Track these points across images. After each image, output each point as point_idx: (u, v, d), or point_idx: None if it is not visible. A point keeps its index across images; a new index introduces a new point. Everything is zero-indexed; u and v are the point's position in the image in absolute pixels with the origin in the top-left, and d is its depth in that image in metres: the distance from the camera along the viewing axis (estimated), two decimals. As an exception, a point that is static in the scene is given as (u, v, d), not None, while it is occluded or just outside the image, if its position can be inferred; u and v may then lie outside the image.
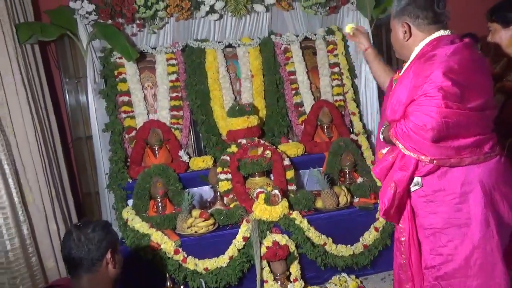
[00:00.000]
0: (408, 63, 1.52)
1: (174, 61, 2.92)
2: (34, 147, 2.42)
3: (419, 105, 1.39)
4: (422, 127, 1.37)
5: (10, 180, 2.20)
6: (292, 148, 2.78)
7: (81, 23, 2.69)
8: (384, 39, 3.41)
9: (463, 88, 1.36)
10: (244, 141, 2.68)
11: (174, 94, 2.89)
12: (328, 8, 3.04)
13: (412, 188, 1.50)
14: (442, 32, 1.46)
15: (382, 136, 1.57)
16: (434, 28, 1.47)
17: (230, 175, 2.53)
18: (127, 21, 2.72)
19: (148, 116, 2.87)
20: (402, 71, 1.54)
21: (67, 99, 3.02)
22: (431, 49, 1.43)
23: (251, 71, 3.00)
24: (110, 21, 2.69)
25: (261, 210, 2.26)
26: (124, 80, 2.84)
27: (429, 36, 1.47)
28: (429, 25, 1.46)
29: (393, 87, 1.55)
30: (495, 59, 1.85)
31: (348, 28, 1.86)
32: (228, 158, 2.60)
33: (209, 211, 2.41)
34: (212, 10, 2.82)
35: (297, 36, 3.09)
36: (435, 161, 1.41)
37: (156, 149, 2.76)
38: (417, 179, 1.48)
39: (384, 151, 1.57)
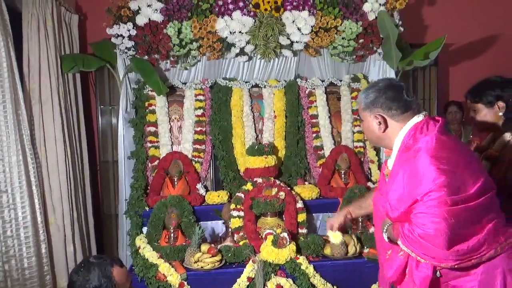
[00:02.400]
0: (394, 156, 1.49)
1: (202, 97, 3.06)
2: (62, 171, 2.59)
3: (424, 207, 1.32)
4: (433, 235, 1.29)
5: (36, 201, 2.35)
6: (307, 191, 2.80)
7: (120, 57, 2.90)
8: (410, 89, 3.45)
9: (459, 177, 1.33)
10: (260, 180, 2.74)
11: (199, 129, 3.01)
12: (355, 56, 3.12)
13: None
14: (416, 119, 1.45)
15: (386, 235, 1.48)
16: (408, 115, 1.46)
17: (242, 212, 2.59)
18: (161, 57, 2.90)
19: (172, 147, 3.00)
20: (389, 165, 1.52)
21: (100, 124, 3.22)
22: (413, 141, 1.41)
23: (274, 111, 3.10)
24: (146, 57, 2.88)
25: (268, 252, 2.29)
26: (153, 112, 3.00)
27: (406, 126, 1.45)
28: (403, 113, 1.46)
29: (386, 180, 1.53)
30: (480, 129, 1.87)
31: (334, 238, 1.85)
32: (242, 195, 2.66)
33: (219, 246, 2.46)
34: (242, 52, 2.96)
35: (322, 81, 3.17)
36: (456, 266, 1.33)
37: (176, 180, 2.86)
38: None
39: (390, 251, 1.49)
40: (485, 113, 1.79)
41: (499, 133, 1.79)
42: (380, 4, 2.95)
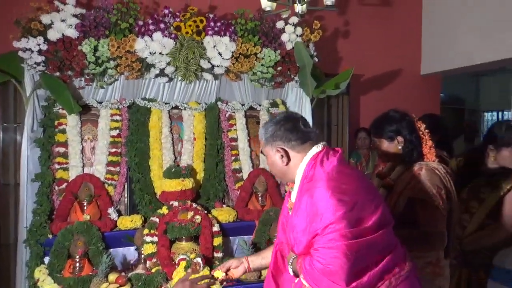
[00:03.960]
0: (296, 188, 1.48)
1: (118, 117, 2.95)
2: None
3: (324, 240, 1.30)
4: (333, 270, 1.27)
5: None
6: (224, 214, 2.81)
7: (28, 72, 2.70)
8: (324, 115, 3.70)
9: (359, 209, 1.34)
10: (176, 203, 2.69)
11: (113, 150, 2.89)
12: (273, 83, 3.25)
13: None
14: (316, 149, 1.46)
15: (291, 269, 1.45)
16: (308, 146, 1.47)
17: (156, 237, 2.51)
18: (75, 74, 2.75)
19: (83, 169, 2.83)
20: (292, 198, 1.51)
21: (1, 143, 2.94)
22: (314, 172, 1.42)
23: (194, 134, 3.08)
24: (58, 73, 2.72)
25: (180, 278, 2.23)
26: (63, 131, 2.81)
27: (306, 156, 1.46)
28: (303, 144, 1.47)
29: (290, 213, 1.52)
30: (383, 160, 2.02)
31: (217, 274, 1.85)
32: (157, 219, 2.58)
33: (129, 274, 2.35)
34: (162, 73, 2.93)
35: (242, 105, 3.24)
36: None
37: (85, 204, 2.70)
38: None
39: (295, 282, 1.44)
40: (387, 146, 1.92)
41: (398, 163, 1.94)
42: (297, 35, 3.13)
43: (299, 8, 2.70)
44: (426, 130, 1.84)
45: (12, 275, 2.71)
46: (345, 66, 4.04)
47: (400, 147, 1.86)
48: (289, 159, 1.48)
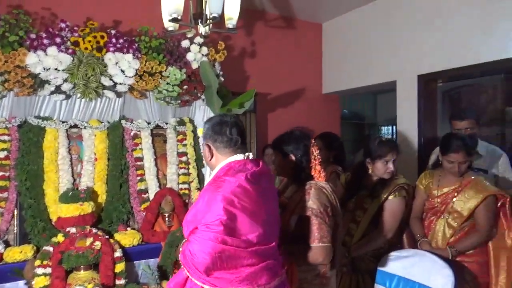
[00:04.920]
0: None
1: (6, 137, 2.68)
2: None
3: (200, 235, 1.48)
4: (197, 263, 1.46)
5: None
6: (128, 237, 2.69)
7: None
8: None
9: (241, 222, 1.49)
10: (73, 230, 2.51)
11: (1, 173, 2.62)
12: (180, 101, 3.23)
13: None
14: (236, 157, 1.64)
15: (181, 248, 1.63)
16: (230, 151, 1.66)
17: (50, 269, 2.31)
18: (-49, 90, 2.47)
19: (-37, 197, 2.53)
20: None
21: None
22: (222, 175, 1.58)
23: (95, 154, 2.93)
24: None
25: (76, 312, 2.08)
26: None
27: (225, 160, 1.65)
28: (225, 148, 1.66)
29: None
30: (278, 174, 2.15)
31: None
32: (51, 249, 2.38)
33: (16, 313, 2.12)
34: (58, 90, 2.75)
35: (148, 123, 3.16)
36: None
37: (-35, 236, 2.40)
38: None
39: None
40: (279, 161, 2.05)
41: (290, 182, 2.06)
42: (202, 55, 3.16)
43: (202, 29, 2.74)
44: (319, 156, 1.97)
45: None
46: (252, 85, 4.18)
47: (291, 165, 1.97)
48: (212, 156, 1.69)
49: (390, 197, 2.42)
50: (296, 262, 1.79)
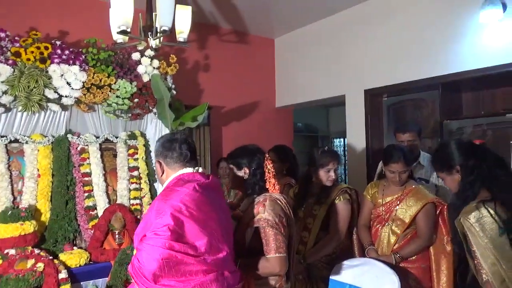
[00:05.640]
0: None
1: None
2: None
3: (146, 242, 1.48)
4: (144, 269, 1.44)
5: None
6: (74, 257, 2.56)
7: None
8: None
9: (188, 229, 1.50)
10: (13, 251, 2.35)
11: None
12: (131, 114, 3.15)
13: None
14: (185, 170, 1.71)
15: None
16: (180, 165, 1.72)
17: (-15, 294, 2.15)
18: None
19: None
20: None
21: None
22: (171, 187, 1.63)
23: (38, 170, 2.78)
24: None
25: None
26: None
27: (175, 173, 1.70)
28: (175, 163, 1.72)
29: None
30: (232, 186, 2.18)
31: None
32: (-13, 273, 2.22)
33: None
34: (-3, 102, 2.59)
35: (97, 137, 3.06)
36: None
37: None
38: None
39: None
40: (234, 174, 2.06)
41: (245, 195, 2.07)
42: (153, 68, 3.12)
43: (152, 42, 2.71)
44: (273, 169, 2.00)
45: None
46: (206, 98, 4.17)
47: (245, 177, 1.99)
48: (163, 172, 1.76)
49: (336, 201, 2.54)
50: (253, 275, 1.79)
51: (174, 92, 3.26)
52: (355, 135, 4.03)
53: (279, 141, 4.48)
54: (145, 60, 3.09)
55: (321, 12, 4.17)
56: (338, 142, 8.18)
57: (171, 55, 3.26)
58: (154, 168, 1.84)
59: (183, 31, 2.75)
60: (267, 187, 1.97)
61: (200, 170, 1.76)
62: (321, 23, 4.38)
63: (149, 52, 3.10)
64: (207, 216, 1.59)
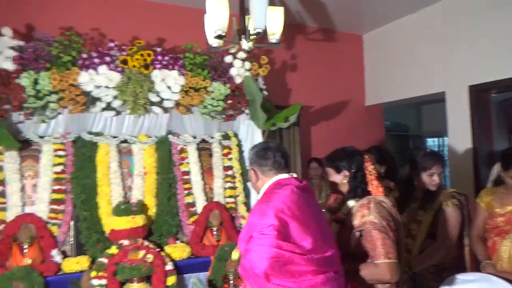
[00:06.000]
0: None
1: (62, 152, 2.80)
2: None
3: (255, 242, 1.52)
4: (256, 268, 1.48)
5: None
6: (178, 251, 2.71)
7: (-40, 107, 2.52)
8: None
9: (293, 229, 1.53)
10: (126, 242, 2.56)
11: (57, 187, 2.73)
12: (224, 116, 3.26)
13: None
14: (280, 176, 1.74)
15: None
16: (274, 172, 1.76)
17: (105, 280, 2.36)
18: (13, 109, 2.61)
19: (23, 209, 2.64)
20: None
21: None
22: (270, 191, 1.68)
23: (144, 168, 2.99)
24: (-6, 107, 2.56)
25: (131, 323, 2.10)
26: (0, 169, 2.63)
27: (271, 180, 1.75)
28: (270, 170, 1.77)
29: None
30: (331, 190, 2.10)
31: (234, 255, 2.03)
32: (105, 260, 2.44)
33: (74, 323, 2.17)
34: (109, 106, 2.85)
35: (194, 137, 3.21)
36: None
37: (26, 247, 2.50)
38: None
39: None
40: (333, 177, 2.01)
41: (344, 198, 2.01)
42: (245, 69, 3.19)
43: (245, 45, 2.76)
44: (374, 171, 1.92)
45: None
46: (294, 98, 4.17)
47: (345, 180, 1.93)
48: (258, 179, 1.79)
49: (443, 207, 2.36)
50: (359, 281, 1.72)
51: (265, 93, 3.30)
52: (458, 135, 3.71)
53: (369, 141, 4.32)
54: (238, 63, 3.17)
55: (415, 4, 3.92)
56: (432, 141, 7.65)
57: (261, 56, 3.31)
58: (248, 171, 1.87)
59: (275, 32, 2.76)
60: (369, 189, 1.89)
61: (295, 175, 1.79)
62: (416, 16, 4.12)
63: (241, 55, 3.18)
64: (308, 216, 1.61)
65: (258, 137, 3.24)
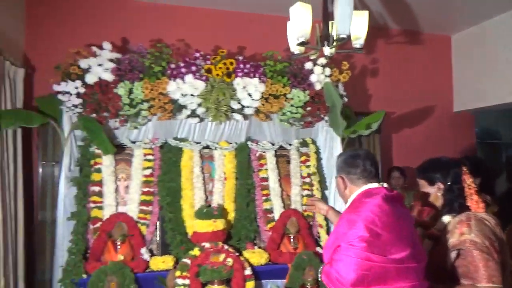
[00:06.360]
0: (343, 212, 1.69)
1: (151, 157, 3.00)
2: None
3: (343, 253, 1.50)
4: (343, 278, 1.46)
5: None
6: (256, 256, 2.75)
7: (66, 114, 2.81)
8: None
9: (384, 241, 1.48)
10: (207, 245, 2.66)
11: (146, 189, 2.93)
12: (303, 122, 3.25)
13: None
14: (370, 185, 1.68)
15: (319, 276, 1.65)
16: (364, 181, 1.71)
17: (188, 280, 2.47)
18: (110, 116, 2.85)
19: (117, 208, 2.87)
20: None
21: (40, 181, 3.04)
22: (358, 200, 1.65)
23: (225, 173, 3.09)
24: (94, 115, 2.82)
25: (212, 325, 2.18)
26: (98, 170, 2.89)
27: (360, 189, 1.70)
28: (359, 179, 1.71)
29: None
30: (423, 203, 1.98)
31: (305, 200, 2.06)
32: (189, 261, 2.56)
33: (161, 319, 2.31)
34: (193, 114, 2.99)
35: (272, 144, 3.24)
36: None
37: (119, 243, 2.71)
38: None
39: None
40: (426, 189, 1.90)
41: (438, 212, 1.88)
42: (325, 76, 3.15)
43: (327, 51, 2.72)
44: (473, 184, 1.78)
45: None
46: (375, 104, 4.02)
47: (439, 193, 1.81)
48: (346, 187, 1.74)
49: None
50: None
51: (346, 99, 3.23)
52: None
53: (458, 149, 4.02)
54: (318, 69, 3.14)
55: (508, 1, 3.57)
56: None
57: (343, 62, 3.24)
58: (336, 179, 1.82)
59: (359, 37, 2.68)
60: (468, 204, 1.75)
61: (385, 185, 1.71)
62: (510, 15, 3.75)
63: (321, 61, 3.15)
64: (399, 227, 1.56)
65: (337, 145, 3.18)
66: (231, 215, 3.00)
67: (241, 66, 3.04)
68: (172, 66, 2.91)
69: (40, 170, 3.09)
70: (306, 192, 3.17)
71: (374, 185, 1.68)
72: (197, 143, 3.10)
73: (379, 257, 1.45)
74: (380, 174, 3.81)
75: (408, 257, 1.50)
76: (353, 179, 1.72)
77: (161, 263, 2.64)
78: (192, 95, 2.91)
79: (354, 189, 1.71)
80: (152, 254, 2.79)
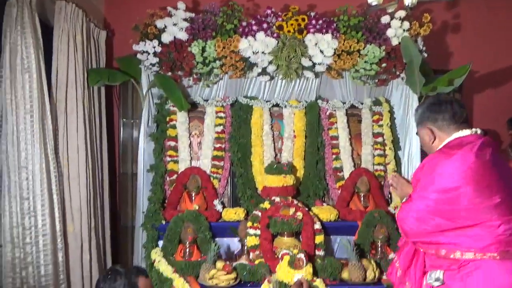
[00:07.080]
0: None
1: (222, 114, 3.09)
2: (82, 181, 2.63)
3: (419, 192, 1.52)
4: (403, 224, 1.53)
5: (56, 209, 2.38)
6: (325, 212, 2.76)
7: (144, 73, 2.96)
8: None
9: (464, 193, 1.45)
10: (277, 199, 2.72)
11: (218, 145, 3.03)
12: (377, 80, 3.12)
13: (434, 283, 1.47)
14: (461, 133, 1.56)
15: None
16: (455, 128, 1.59)
17: (259, 231, 2.56)
18: (184, 74, 2.95)
19: (191, 163, 3.02)
20: None
21: (121, 137, 3.27)
22: (450, 147, 1.55)
23: (294, 131, 3.09)
24: (169, 73, 2.93)
25: (283, 272, 2.25)
26: (174, 127, 3.03)
27: (450, 137, 1.58)
28: (449, 125, 1.59)
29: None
30: None
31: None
32: (259, 213, 2.64)
33: (234, 264, 2.43)
34: (264, 72, 2.99)
35: (343, 103, 3.17)
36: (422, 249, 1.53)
37: (193, 195, 2.87)
38: (438, 273, 1.45)
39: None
40: None
41: None
42: (404, 30, 2.97)
43: (409, 1, 2.54)
44: None
45: (129, 255, 3.00)
46: (455, 62, 3.72)
47: None
48: (435, 138, 1.62)
49: None
50: None
51: (425, 55, 3.03)
52: None
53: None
54: (395, 23, 2.96)
55: None
56: None
57: (425, 14, 3.02)
58: (418, 133, 1.74)
59: (445, -17, 2.48)
60: None
61: (479, 131, 1.58)
62: None
63: (399, 14, 2.96)
64: (487, 181, 1.47)
65: (414, 103, 3.01)
66: (300, 173, 3.02)
67: (313, 22, 2.96)
68: (244, 24, 2.91)
69: (121, 126, 3.31)
70: (378, 152, 3.09)
71: (466, 132, 1.56)
72: (267, 101, 3.12)
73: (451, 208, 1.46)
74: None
75: (494, 207, 1.45)
76: (443, 126, 1.59)
77: (233, 214, 2.75)
78: (263, 52, 2.90)
79: (444, 138, 1.60)
80: (224, 206, 2.92)
